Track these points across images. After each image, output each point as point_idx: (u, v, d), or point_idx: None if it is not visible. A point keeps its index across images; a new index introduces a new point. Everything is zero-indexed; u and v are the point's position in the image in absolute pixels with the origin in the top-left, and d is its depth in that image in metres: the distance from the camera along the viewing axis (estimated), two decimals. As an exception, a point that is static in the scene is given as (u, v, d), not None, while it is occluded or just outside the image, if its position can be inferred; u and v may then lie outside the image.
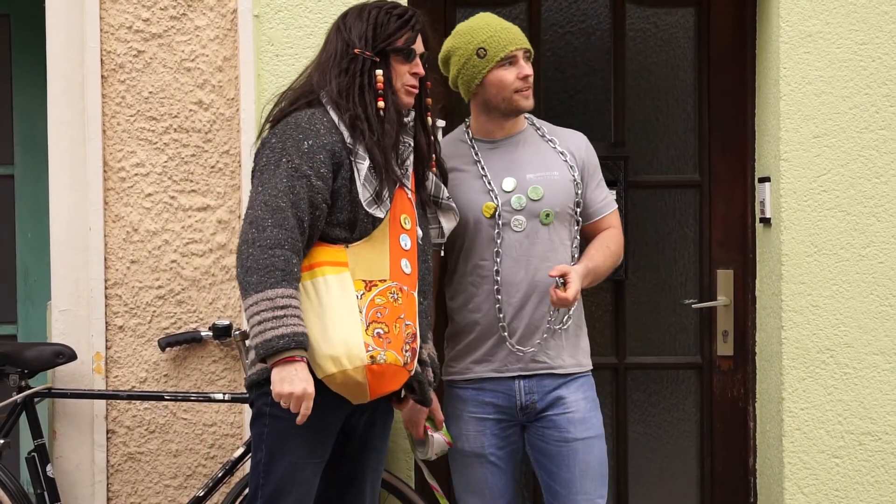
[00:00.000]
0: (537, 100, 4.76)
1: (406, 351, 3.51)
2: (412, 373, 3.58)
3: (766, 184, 4.58)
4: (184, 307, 4.46)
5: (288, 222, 3.41)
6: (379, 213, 3.53)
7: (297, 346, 3.35)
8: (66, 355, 4.31)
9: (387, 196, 3.54)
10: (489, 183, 3.89)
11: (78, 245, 4.45)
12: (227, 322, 4.34)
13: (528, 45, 3.92)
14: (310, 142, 3.49)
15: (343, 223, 3.54)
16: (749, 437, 4.79)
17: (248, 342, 3.56)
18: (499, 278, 3.88)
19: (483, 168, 3.92)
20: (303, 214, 3.45)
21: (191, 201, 4.46)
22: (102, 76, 4.43)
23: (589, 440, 3.91)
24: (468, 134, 4.00)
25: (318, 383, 3.44)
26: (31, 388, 4.30)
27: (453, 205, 3.81)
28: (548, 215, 3.88)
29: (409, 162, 3.68)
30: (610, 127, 4.83)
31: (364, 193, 3.51)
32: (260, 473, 3.56)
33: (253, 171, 3.58)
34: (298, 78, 3.71)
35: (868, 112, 4.48)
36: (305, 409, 3.38)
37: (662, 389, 4.91)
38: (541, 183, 3.89)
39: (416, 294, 3.61)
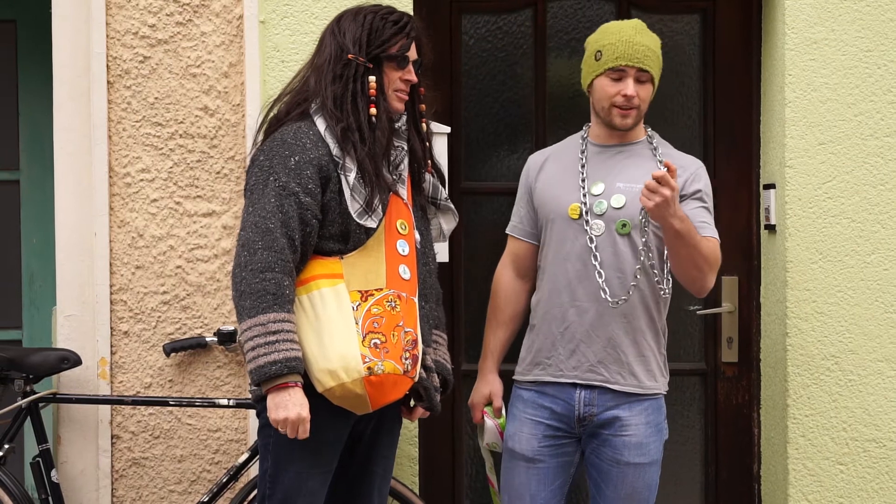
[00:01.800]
0: (541, 106, 4.79)
1: (406, 359, 3.50)
2: (415, 380, 3.58)
3: (772, 190, 4.58)
4: (189, 313, 4.46)
5: (277, 244, 3.41)
6: (370, 224, 3.51)
7: (289, 371, 3.37)
8: (70, 360, 4.31)
9: (378, 205, 3.52)
10: (583, 182, 3.87)
11: (83, 250, 4.45)
12: (231, 328, 4.35)
13: (646, 67, 3.82)
14: (296, 158, 3.48)
15: (336, 235, 3.54)
16: (753, 443, 4.78)
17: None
18: (565, 279, 3.86)
19: (583, 168, 3.90)
20: (293, 233, 3.45)
21: (196, 207, 4.46)
22: (108, 82, 4.43)
23: (641, 466, 3.84)
24: (585, 133, 3.99)
25: (320, 395, 3.45)
26: (35, 393, 4.30)
27: (451, 206, 3.80)
28: (624, 225, 3.81)
29: (404, 166, 3.67)
30: (615, 133, 4.82)
31: (353, 205, 3.50)
32: (267, 483, 3.57)
33: (245, 190, 3.58)
34: (293, 80, 3.70)
35: (873, 119, 4.48)
36: (302, 432, 3.40)
37: (667, 396, 4.90)
38: (626, 193, 3.83)
39: (416, 299, 3.60)
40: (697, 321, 4.83)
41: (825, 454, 4.50)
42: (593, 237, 3.82)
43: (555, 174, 3.94)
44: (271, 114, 3.66)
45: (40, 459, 4.31)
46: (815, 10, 4.47)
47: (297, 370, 3.38)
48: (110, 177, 4.45)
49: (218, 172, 4.46)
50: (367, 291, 3.51)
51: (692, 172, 3.88)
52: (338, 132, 3.52)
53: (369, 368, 3.43)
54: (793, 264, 4.48)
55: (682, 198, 3.79)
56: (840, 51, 4.48)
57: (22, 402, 4.28)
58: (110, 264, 4.45)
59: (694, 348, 4.86)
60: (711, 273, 3.76)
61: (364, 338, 3.45)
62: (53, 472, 4.31)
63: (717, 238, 3.81)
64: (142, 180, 4.45)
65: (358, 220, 3.50)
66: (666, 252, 3.78)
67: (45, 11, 4.55)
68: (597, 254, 3.81)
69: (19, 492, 4.26)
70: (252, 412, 4.36)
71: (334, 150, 3.52)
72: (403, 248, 3.59)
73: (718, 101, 4.78)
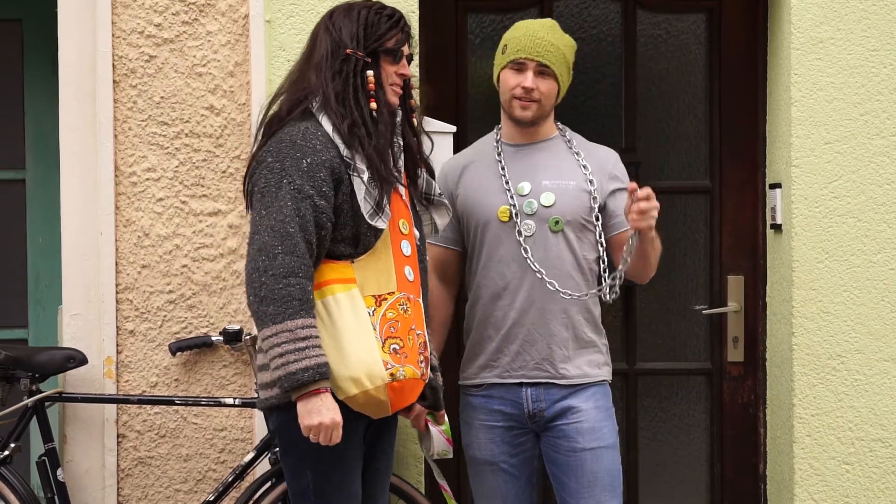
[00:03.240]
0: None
1: (421, 362, 3.52)
2: (426, 381, 3.60)
3: (777, 190, 4.58)
4: (194, 312, 4.47)
5: (299, 248, 3.38)
6: (381, 225, 3.49)
7: (320, 377, 3.36)
8: (76, 359, 4.31)
9: (386, 204, 3.51)
10: (507, 184, 3.90)
11: (89, 250, 4.45)
12: (237, 327, 4.35)
13: (546, 61, 3.88)
14: (308, 160, 3.45)
15: (347, 239, 3.52)
16: (759, 443, 4.78)
17: (264, 374, 3.52)
18: (502, 282, 3.88)
19: (503, 170, 3.92)
20: (311, 237, 3.42)
21: (202, 206, 4.46)
22: (114, 81, 4.44)
23: (598, 450, 3.89)
24: (497, 136, 4.01)
25: (339, 401, 3.43)
26: (41, 392, 4.30)
27: (445, 201, 3.80)
28: (557, 222, 3.88)
29: (401, 162, 3.67)
30: (621, 133, 4.83)
31: (365, 206, 3.48)
32: (312, 498, 3.53)
33: (251, 192, 3.53)
34: (288, 78, 3.67)
35: (879, 118, 4.48)
36: (336, 437, 3.38)
37: (673, 395, 4.91)
38: (554, 190, 3.89)
39: (420, 300, 3.61)
40: (703, 321, 4.83)
41: (831, 454, 4.50)
42: (525, 237, 3.87)
43: (476, 179, 3.97)
44: (271, 111, 3.63)
45: (46, 458, 4.31)
46: (821, 10, 4.47)
47: (326, 376, 3.37)
48: (116, 176, 4.45)
49: (224, 172, 4.46)
50: (380, 296, 3.51)
51: (613, 163, 4.00)
52: (344, 129, 3.50)
53: (392, 374, 3.44)
54: (799, 264, 4.48)
55: (614, 191, 3.94)
56: (846, 50, 4.48)
57: (28, 401, 4.28)
58: (116, 263, 4.45)
59: (699, 348, 4.86)
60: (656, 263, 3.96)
61: (383, 343, 3.45)
62: (59, 471, 4.32)
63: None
64: (147, 179, 4.46)
65: (370, 222, 3.48)
66: (623, 252, 3.84)
67: (50, 11, 4.55)
68: (532, 254, 3.86)
69: (25, 491, 4.27)
70: (257, 411, 4.36)
71: (344, 151, 3.49)
72: (406, 248, 3.59)
73: (724, 101, 4.78)
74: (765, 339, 4.74)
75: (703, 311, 4.79)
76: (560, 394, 3.90)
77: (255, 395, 4.22)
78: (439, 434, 3.92)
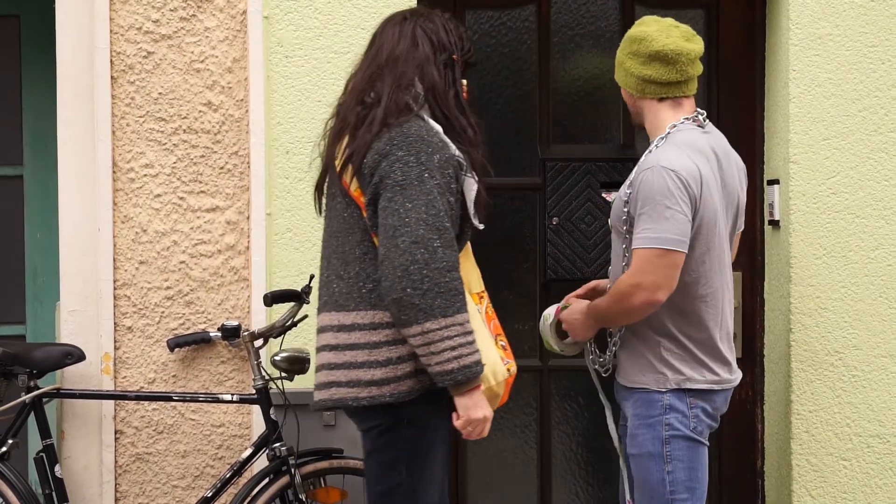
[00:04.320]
0: (545, 102, 4.78)
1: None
2: None
3: (775, 186, 4.58)
4: (192, 308, 4.47)
5: (453, 243, 3.35)
6: (481, 226, 3.50)
7: (481, 371, 3.37)
8: (74, 356, 4.31)
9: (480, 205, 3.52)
10: None
11: (87, 246, 4.45)
12: (235, 323, 4.34)
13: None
14: (437, 156, 3.39)
15: (455, 237, 3.47)
16: (757, 439, 4.78)
17: (373, 370, 3.41)
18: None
19: None
20: (455, 232, 3.41)
21: (200, 202, 4.46)
22: (112, 77, 4.44)
23: (635, 457, 3.81)
24: None
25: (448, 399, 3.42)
26: (39, 388, 4.30)
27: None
28: (611, 228, 3.89)
29: None
30: (619, 128, 4.83)
31: (472, 206, 3.46)
32: (404, 498, 3.48)
33: (384, 185, 3.37)
34: (367, 70, 3.54)
35: (878, 115, 4.48)
36: (487, 432, 3.41)
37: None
38: (617, 195, 3.89)
39: None
40: (701, 317, 4.83)
41: (829, 450, 4.50)
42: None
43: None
44: (371, 109, 3.48)
45: (44, 455, 4.31)
46: (820, 6, 4.47)
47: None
48: (114, 172, 4.45)
49: (221, 168, 4.46)
50: (480, 293, 3.54)
51: (637, 181, 3.77)
52: (458, 131, 3.49)
53: (508, 370, 3.48)
54: (797, 260, 4.48)
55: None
56: (844, 46, 4.48)
57: (26, 397, 4.28)
58: (114, 259, 4.45)
59: (697, 344, 4.85)
60: (623, 298, 3.72)
61: (495, 340, 3.49)
62: (57, 468, 4.32)
63: (644, 244, 3.68)
64: (145, 175, 4.45)
65: (475, 222, 3.48)
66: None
67: (48, 7, 4.55)
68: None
69: (23, 487, 4.27)
70: (255, 408, 4.36)
71: (454, 150, 3.47)
72: (470, 246, 3.61)
73: (722, 97, 4.78)
74: (762, 335, 4.74)
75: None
76: (620, 394, 3.89)
77: (253, 392, 4.23)
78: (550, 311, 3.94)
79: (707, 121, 3.88)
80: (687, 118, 3.82)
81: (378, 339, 3.39)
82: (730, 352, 3.82)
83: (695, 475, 3.81)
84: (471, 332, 3.32)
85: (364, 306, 3.41)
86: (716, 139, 3.85)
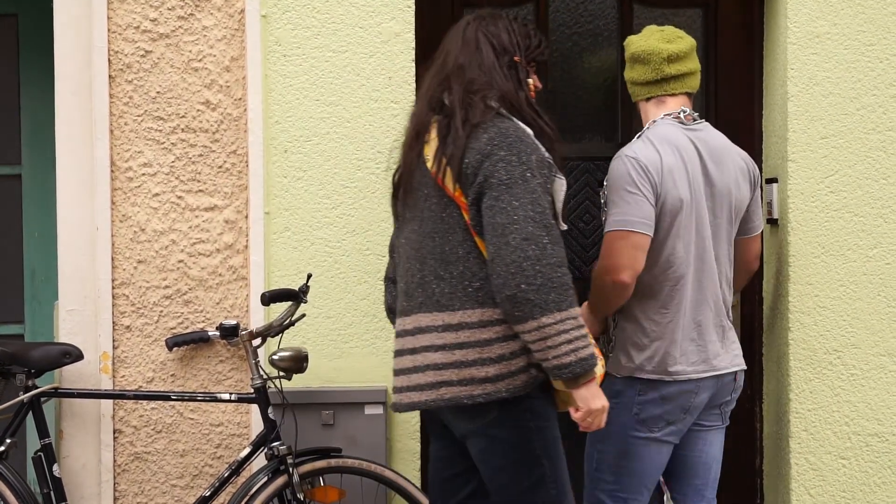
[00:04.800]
0: (545, 100, 4.78)
1: None
2: None
3: (774, 185, 4.58)
4: (191, 307, 4.46)
5: (560, 239, 3.39)
6: (564, 226, 3.54)
7: (596, 363, 3.44)
8: (72, 355, 4.31)
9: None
10: None
11: (85, 245, 4.45)
12: (234, 322, 4.34)
13: None
14: (534, 156, 3.43)
15: None
16: (756, 437, 4.78)
17: (487, 368, 3.44)
18: None
19: None
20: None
21: (198, 201, 4.46)
22: (110, 76, 4.43)
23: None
24: None
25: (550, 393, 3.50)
26: (37, 387, 4.30)
27: None
28: None
29: None
30: (617, 127, 4.83)
31: (560, 206, 3.51)
32: (551, 486, 3.51)
33: (488, 185, 3.40)
34: (437, 77, 3.61)
35: (876, 113, 4.48)
36: (604, 421, 3.47)
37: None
38: None
39: None
40: (699, 315, 4.83)
41: (827, 448, 4.50)
42: None
43: None
44: (454, 99, 3.53)
45: (42, 454, 4.31)
46: (817, 4, 4.47)
47: None
48: (112, 171, 4.45)
49: (220, 167, 4.46)
50: None
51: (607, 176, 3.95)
52: (537, 132, 3.53)
53: (602, 365, 3.56)
54: (795, 258, 4.48)
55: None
56: (842, 45, 4.48)
57: (24, 396, 4.28)
58: (112, 259, 4.45)
59: (696, 343, 4.86)
60: (597, 284, 3.88)
61: None
62: (55, 467, 4.31)
63: (610, 230, 3.83)
64: (144, 174, 4.45)
65: (561, 222, 3.52)
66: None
67: (46, 5, 4.54)
68: None
69: (21, 486, 4.26)
70: (253, 407, 4.36)
71: (544, 151, 3.52)
72: None
73: (720, 96, 4.78)
74: (761, 334, 4.74)
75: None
76: None
77: (252, 391, 4.23)
78: None
79: (699, 120, 3.94)
80: (668, 114, 3.90)
81: (488, 336, 3.43)
82: (700, 346, 3.86)
83: (627, 464, 3.91)
84: (584, 326, 3.38)
85: (471, 305, 3.45)
86: (704, 136, 3.91)
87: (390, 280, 3.81)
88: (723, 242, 3.94)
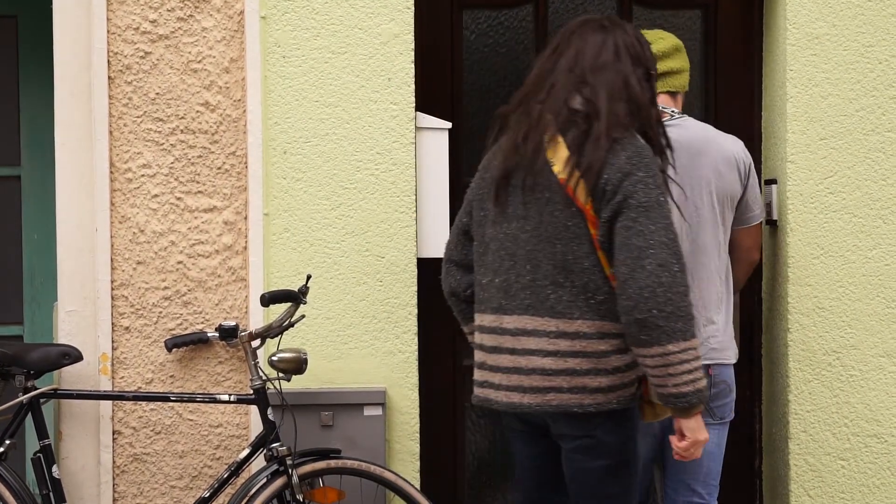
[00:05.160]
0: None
1: None
2: None
3: (773, 186, 4.58)
4: (190, 308, 4.46)
5: (685, 268, 3.39)
6: None
7: (708, 395, 3.56)
8: (72, 356, 4.31)
9: None
10: None
11: (84, 246, 4.45)
12: (233, 323, 4.34)
13: None
14: (658, 178, 3.43)
15: None
16: (755, 438, 4.78)
17: (601, 378, 3.46)
18: None
19: None
20: None
21: (197, 202, 4.46)
22: (109, 77, 4.43)
23: None
24: None
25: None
26: (37, 388, 4.30)
27: None
28: None
29: None
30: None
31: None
32: (633, 492, 3.59)
33: (627, 205, 3.37)
34: (589, 81, 3.50)
35: (875, 114, 4.48)
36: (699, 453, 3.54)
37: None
38: None
39: None
40: (699, 317, 4.83)
41: (826, 449, 4.50)
42: None
43: None
44: (604, 110, 3.47)
45: (41, 455, 4.30)
46: (817, 6, 4.47)
47: None
48: (111, 172, 4.45)
49: (219, 168, 4.46)
50: None
51: None
52: (657, 151, 3.51)
53: None
54: (794, 259, 4.48)
55: None
56: (841, 46, 4.48)
57: (23, 397, 4.28)
58: (111, 260, 4.45)
59: (695, 344, 4.85)
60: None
61: None
62: (55, 468, 4.31)
63: None
64: (143, 176, 4.45)
65: None
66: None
67: (46, 7, 4.54)
68: None
69: (21, 487, 4.26)
70: (253, 408, 4.36)
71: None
72: None
73: (720, 97, 4.78)
74: (760, 334, 4.74)
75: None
76: None
77: (251, 393, 4.23)
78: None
79: (680, 116, 4.08)
80: None
81: (605, 348, 3.43)
82: None
83: None
84: (700, 357, 3.39)
85: (590, 316, 3.43)
86: (679, 130, 3.96)
87: (455, 263, 3.75)
88: (707, 233, 3.97)
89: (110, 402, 4.45)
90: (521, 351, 3.47)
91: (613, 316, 3.41)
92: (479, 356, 3.61)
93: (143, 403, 4.47)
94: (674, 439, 3.50)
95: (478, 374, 3.61)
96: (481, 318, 3.60)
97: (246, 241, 4.46)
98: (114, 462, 4.48)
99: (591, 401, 3.44)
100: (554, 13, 4.80)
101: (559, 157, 3.44)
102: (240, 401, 4.32)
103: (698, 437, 3.45)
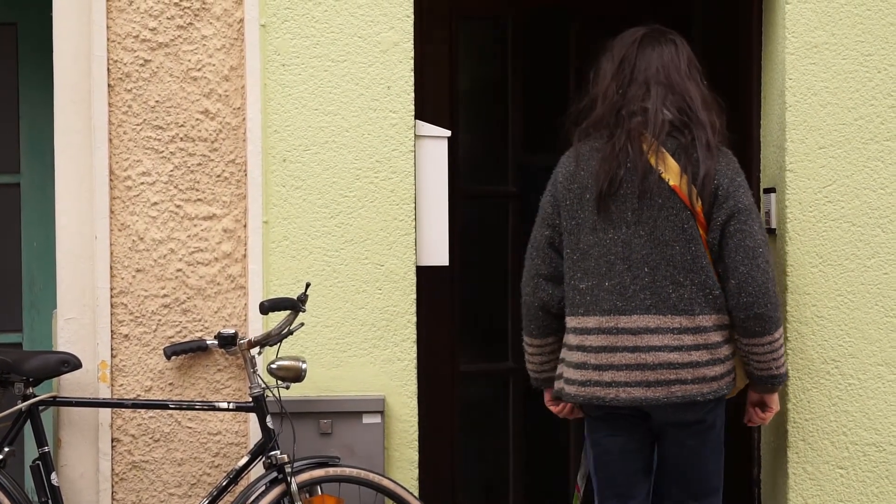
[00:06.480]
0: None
1: None
2: None
3: (772, 194, 4.58)
4: (189, 316, 4.46)
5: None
6: None
7: None
8: (71, 364, 4.31)
9: None
10: None
11: (84, 254, 4.45)
12: (232, 331, 4.34)
13: None
14: None
15: None
16: (753, 447, 4.78)
17: (714, 367, 3.88)
18: None
19: None
20: None
21: (197, 210, 4.46)
22: (109, 85, 4.44)
23: None
24: None
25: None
26: (35, 396, 4.29)
27: None
28: None
29: None
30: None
31: None
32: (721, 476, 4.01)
33: (737, 209, 3.81)
34: (678, 90, 3.84)
35: (873, 123, 4.48)
36: None
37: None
38: None
39: None
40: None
41: (825, 458, 4.50)
42: None
43: None
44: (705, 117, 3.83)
45: (40, 463, 4.30)
46: (816, 15, 4.47)
47: None
48: (111, 180, 4.45)
49: (219, 176, 4.46)
50: None
51: None
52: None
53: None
54: (793, 268, 4.48)
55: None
56: (840, 55, 4.48)
57: (22, 405, 4.28)
58: (111, 267, 4.45)
59: (694, 352, 4.85)
60: None
61: None
62: (53, 476, 4.31)
63: None
64: (142, 183, 4.46)
65: None
66: None
67: (45, 14, 4.55)
68: None
69: (19, 495, 4.26)
70: (251, 416, 4.36)
71: None
72: None
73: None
74: (759, 343, 4.74)
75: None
76: None
77: (250, 400, 4.23)
78: None
79: None
80: None
81: (718, 339, 3.83)
82: None
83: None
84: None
85: (709, 310, 3.80)
86: None
87: (545, 277, 3.93)
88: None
89: (109, 409, 4.45)
90: (644, 348, 3.77)
91: (725, 309, 3.80)
92: (577, 357, 3.83)
93: (142, 411, 4.47)
94: (755, 411, 4.05)
95: (578, 374, 3.82)
96: (583, 321, 3.83)
97: (245, 249, 4.46)
98: (112, 470, 4.48)
99: (709, 389, 3.81)
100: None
101: (668, 166, 3.76)
102: (239, 408, 4.32)
103: (778, 407, 4.06)
